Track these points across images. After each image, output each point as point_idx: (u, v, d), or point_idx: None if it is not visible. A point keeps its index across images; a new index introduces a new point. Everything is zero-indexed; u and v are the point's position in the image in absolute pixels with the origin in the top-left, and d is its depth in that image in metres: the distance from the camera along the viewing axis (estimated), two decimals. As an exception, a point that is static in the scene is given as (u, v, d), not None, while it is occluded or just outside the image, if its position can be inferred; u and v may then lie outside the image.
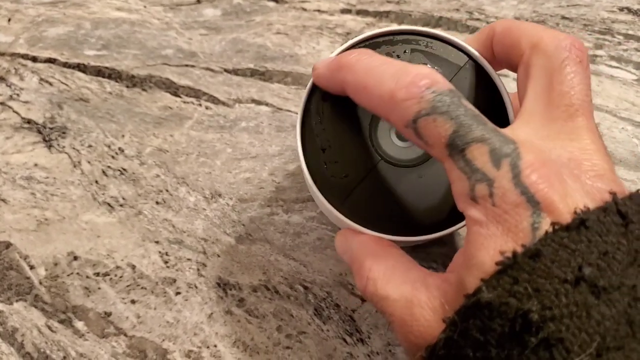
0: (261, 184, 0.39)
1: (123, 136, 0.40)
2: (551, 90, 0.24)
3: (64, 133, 0.40)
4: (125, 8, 0.45)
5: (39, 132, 0.41)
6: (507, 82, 0.41)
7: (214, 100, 0.42)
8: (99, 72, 0.43)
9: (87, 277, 0.37)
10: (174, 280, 0.37)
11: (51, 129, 0.41)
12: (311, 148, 0.29)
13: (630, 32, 0.44)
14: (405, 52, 0.30)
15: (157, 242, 0.38)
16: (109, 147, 0.40)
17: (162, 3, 0.45)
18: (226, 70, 0.43)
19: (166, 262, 0.37)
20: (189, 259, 0.37)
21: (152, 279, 0.37)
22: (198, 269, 0.37)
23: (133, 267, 0.37)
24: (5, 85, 0.42)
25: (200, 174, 0.40)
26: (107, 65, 0.43)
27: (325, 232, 0.38)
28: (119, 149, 0.40)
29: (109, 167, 0.40)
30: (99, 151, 0.40)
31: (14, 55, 0.43)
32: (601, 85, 0.42)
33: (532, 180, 0.20)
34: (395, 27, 0.30)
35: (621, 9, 0.45)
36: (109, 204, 0.39)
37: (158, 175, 0.39)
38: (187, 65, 0.43)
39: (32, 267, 0.37)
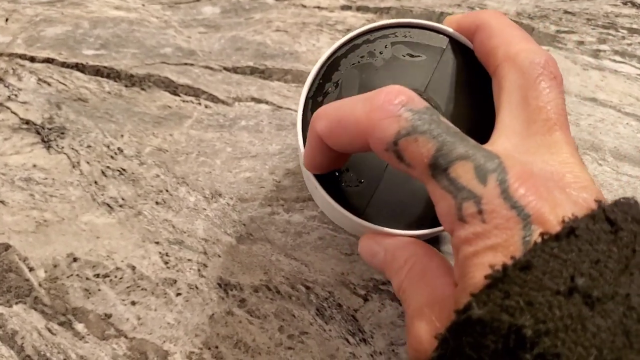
0: (262, 183, 0.39)
1: (122, 136, 0.40)
2: (527, 105, 0.24)
3: (62, 133, 0.40)
4: (124, 7, 0.45)
5: (38, 132, 0.40)
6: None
7: (214, 99, 0.41)
8: (97, 71, 0.42)
9: (87, 278, 0.37)
10: (175, 281, 0.36)
11: (50, 129, 0.40)
12: None
13: (634, 26, 0.44)
14: (386, 46, 0.30)
15: (157, 243, 0.37)
16: (108, 147, 0.40)
17: (161, 1, 0.45)
18: (225, 69, 0.42)
19: (166, 263, 0.37)
20: (189, 260, 0.37)
21: (153, 280, 0.37)
22: (199, 270, 0.37)
23: (133, 268, 0.37)
24: (3, 85, 0.42)
25: (200, 173, 0.39)
26: (105, 64, 0.42)
27: (326, 232, 0.37)
28: (118, 149, 0.40)
29: (108, 167, 0.39)
30: (98, 151, 0.40)
31: (11, 55, 0.43)
32: (605, 80, 0.42)
33: (521, 194, 0.20)
34: (370, 25, 0.30)
35: (625, 3, 0.45)
36: (108, 205, 0.38)
37: (158, 175, 0.39)
38: (186, 64, 0.42)
39: (31, 269, 0.37)
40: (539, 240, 0.19)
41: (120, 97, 0.41)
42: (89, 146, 0.40)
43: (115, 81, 0.42)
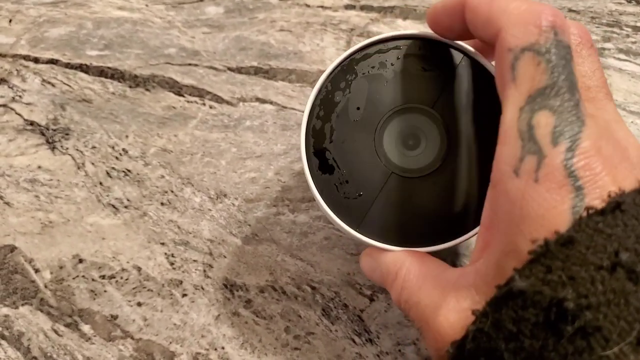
0: (267, 183, 0.39)
1: (127, 137, 0.40)
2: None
3: (67, 134, 0.40)
4: (127, 7, 0.45)
5: (42, 134, 0.40)
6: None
7: (218, 99, 0.41)
8: (101, 72, 0.42)
9: (93, 280, 0.37)
10: (181, 282, 0.36)
11: (54, 130, 0.40)
12: (318, 170, 0.28)
13: (639, 24, 0.44)
14: (398, 58, 0.29)
15: (162, 244, 0.37)
16: (112, 148, 0.40)
17: (164, 2, 0.45)
18: (230, 69, 0.42)
19: (172, 264, 0.37)
20: (195, 261, 0.37)
21: (158, 281, 0.37)
22: (204, 271, 0.37)
23: (139, 269, 0.37)
24: (7, 87, 0.42)
25: (205, 174, 0.39)
26: (109, 65, 0.42)
27: (332, 232, 0.37)
28: (123, 149, 0.40)
29: (113, 168, 0.39)
30: (102, 152, 0.40)
31: (15, 56, 0.43)
32: (610, 78, 0.42)
33: (581, 165, 0.19)
34: (383, 35, 0.29)
35: (629, 1, 0.45)
36: (113, 206, 0.38)
37: (163, 176, 0.39)
38: (190, 64, 0.42)
39: (37, 271, 0.37)
40: (584, 214, 0.19)
41: (124, 98, 0.41)
42: (93, 147, 0.40)
43: (120, 82, 0.42)
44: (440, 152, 0.28)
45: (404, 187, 0.28)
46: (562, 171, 0.19)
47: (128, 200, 0.38)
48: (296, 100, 0.41)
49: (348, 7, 0.44)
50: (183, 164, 0.39)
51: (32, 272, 0.37)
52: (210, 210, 0.38)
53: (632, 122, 0.40)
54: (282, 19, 0.44)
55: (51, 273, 0.37)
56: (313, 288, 0.36)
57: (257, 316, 0.36)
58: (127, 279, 0.37)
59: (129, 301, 0.36)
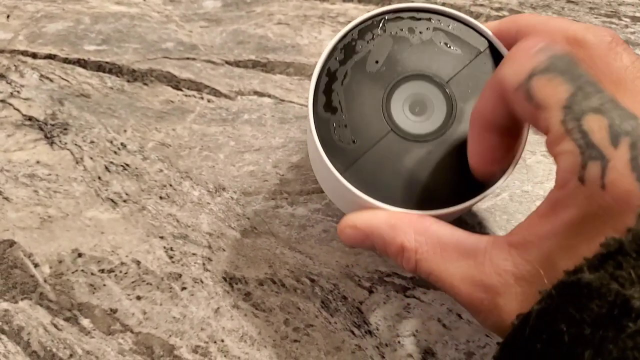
0: (265, 176, 0.39)
1: (125, 131, 0.40)
2: (610, 70, 0.23)
3: (65, 129, 0.40)
4: (125, 2, 0.44)
5: (41, 129, 0.40)
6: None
7: (216, 93, 0.41)
8: (99, 67, 0.42)
9: (92, 274, 0.37)
10: (180, 276, 0.37)
11: (53, 125, 0.40)
12: (322, 108, 0.29)
13: (637, 14, 0.44)
14: (427, 29, 0.30)
15: (161, 238, 0.37)
16: (111, 142, 0.40)
17: (162, -4, 0.45)
18: (227, 62, 0.42)
19: (171, 258, 0.37)
20: (194, 254, 0.37)
21: (158, 275, 0.37)
22: (203, 264, 0.37)
23: (138, 263, 0.37)
24: (5, 82, 0.42)
25: (203, 167, 0.39)
26: (107, 60, 0.42)
27: (330, 224, 0.37)
28: (122, 144, 0.40)
29: (111, 162, 0.39)
30: (101, 147, 0.40)
31: (13, 52, 0.43)
32: (608, 69, 0.42)
33: None
34: (419, 3, 0.30)
35: (628, -9, 0.44)
36: (112, 200, 0.38)
37: (161, 170, 0.39)
38: (188, 58, 0.42)
39: (36, 265, 0.37)
40: None
41: (122, 93, 0.41)
42: (92, 142, 0.40)
43: (118, 76, 0.42)
44: (443, 125, 0.28)
45: (399, 147, 0.28)
46: (629, 175, 0.19)
47: (127, 194, 0.38)
48: (294, 93, 0.41)
49: (346, -1, 0.44)
50: (181, 158, 0.39)
51: (31, 266, 0.37)
52: (209, 203, 0.38)
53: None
54: (279, 12, 0.44)
55: (50, 267, 0.37)
56: (312, 280, 0.36)
57: (256, 309, 0.36)
58: (126, 273, 0.37)
59: (128, 295, 0.36)
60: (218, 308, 0.36)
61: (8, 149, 0.40)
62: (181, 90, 0.41)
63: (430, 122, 0.28)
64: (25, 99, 0.41)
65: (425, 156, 0.28)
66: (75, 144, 0.40)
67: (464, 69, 0.29)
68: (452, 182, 0.28)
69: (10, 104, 0.41)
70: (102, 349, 0.35)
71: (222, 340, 0.35)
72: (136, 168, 0.39)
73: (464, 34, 0.30)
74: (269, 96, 0.41)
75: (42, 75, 0.42)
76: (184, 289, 0.36)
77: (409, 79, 0.29)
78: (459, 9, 0.43)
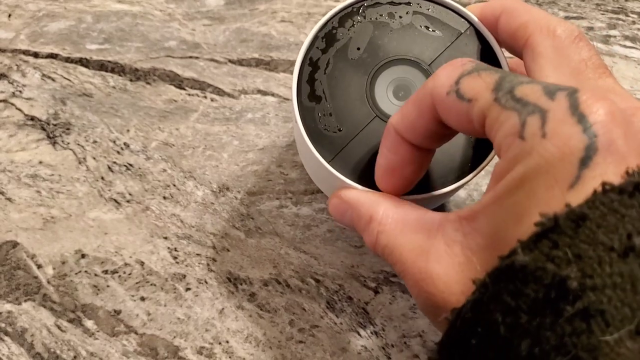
0: (269, 176, 0.39)
1: (128, 131, 0.40)
2: (569, 60, 0.24)
3: (68, 129, 0.40)
4: (127, 0, 0.44)
5: (43, 128, 0.40)
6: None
7: (219, 91, 0.41)
8: (101, 66, 0.42)
9: (96, 275, 0.36)
10: (184, 276, 0.36)
11: (55, 125, 0.40)
12: (306, 98, 0.29)
13: (644, 10, 0.43)
14: (407, 13, 0.30)
15: (165, 238, 0.37)
16: (114, 142, 0.40)
17: (164, -6, 0.44)
18: (231, 61, 0.42)
19: (175, 258, 0.37)
20: (198, 254, 0.37)
21: (162, 275, 0.36)
22: (208, 264, 0.37)
23: (142, 263, 0.37)
24: (7, 82, 0.41)
25: (207, 167, 0.39)
26: (109, 59, 0.42)
27: (335, 224, 0.37)
28: (125, 144, 0.39)
29: (114, 162, 0.39)
30: (104, 147, 0.39)
31: (15, 51, 0.42)
32: (615, 66, 0.41)
33: (593, 110, 0.18)
34: None
35: (634, -13, 0.44)
36: (115, 200, 0.38)
37: (165, 170, 0.39)
38: (190, 57, 0.42)
39: (39, 266, 0.37)
40: (600, 189, 0.17)
41: (125, 92, 0.41)
42: (94, 142, 0.40)
43: (120, 75, 0.42)
44: None
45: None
46: (570, 118, 0.18)
47: (130, 194, 0.38)
48: (298, 91, 0.41)
49: (349, -3, 0.44)
50: (185, 158, 0.39)
51: (34, 267, 0.37)
52: (213, 203, 0.38)
53: (638, 109, 0.40)
54: (283, 10, 0.43)
55: (54, 268, 0.37)
56: (317, 281, 0.36)
57: (261, 309, 0.35)
58: (130, 274, 0.36)
59: (132, 296, 0.36)
60: (223, 309, 0.36)
61: (10, 149, 0.39)
62: (184, 89, 0.41)
63: None
64: (27, 99, 0.41)
65: None
66: (78, 144, 0.39)
67: (446, 51, 0.29)
68: (437, 167, 0.28)
69: (12, 104, 0.41)
70: (106, 350, 0.35)
71: (227, 341, 0.35)
72: (139, 168, 0.39)
73: (444, 16, 0.30)
74: (273, 95, 0.41)
75: (44, 75, 0.42)
76: (188, 289, 0.36)
77: (391, 63, 0.29)
78: None
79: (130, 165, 0.39)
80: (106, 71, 0.42)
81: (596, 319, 0.16)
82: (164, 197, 0.38)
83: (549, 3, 0.43)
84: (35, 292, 0.36)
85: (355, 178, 0.28)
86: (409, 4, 0.30)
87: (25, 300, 0.36)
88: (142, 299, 0.36)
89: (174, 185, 0.38)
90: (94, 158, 0.39)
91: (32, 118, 0.40)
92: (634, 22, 0.43)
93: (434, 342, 0.34)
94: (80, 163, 0.39)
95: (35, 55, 0.42)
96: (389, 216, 0.25)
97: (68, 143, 0.40)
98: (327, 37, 0.29)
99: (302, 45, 0.29)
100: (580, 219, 0.17)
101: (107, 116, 0.40)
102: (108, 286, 0.36)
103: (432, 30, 0.29)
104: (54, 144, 0.40)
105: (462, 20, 0.30)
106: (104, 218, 0.38)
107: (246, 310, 0.35)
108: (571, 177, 0.18)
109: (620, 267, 0.16)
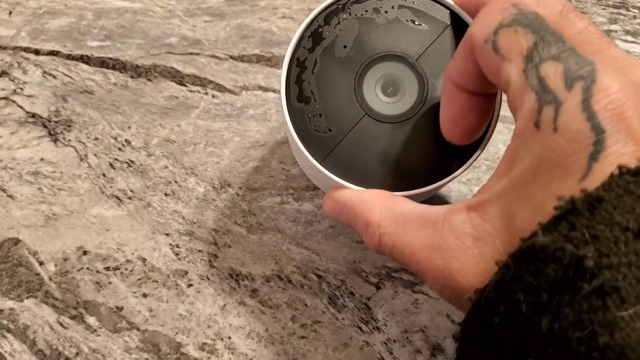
0: (271, 172, 0.38)
1: (129, 128, 0.40)
2: (566, 33, 0.23)
3: (69, 126, 0.40)
4: (127, -3, 0.44)
5: (44, 126, 0.40)
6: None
7: (220, 88, 0.41)
8: (102, 63, 0.42)
9: (98, 271, 0.36)
10: (186, 273, 0.36)
11: (56, 122, 0.40)
12: (295, 99, 0.29)
13: (645, 5, 0.43)
14: (392, 7, 0.29)
15: (167, 234, 0.37)
16: (115, 139, 0.40)
17: (165, -9, 0.44)
18: (232, 57, 0.42)
19: (177, 254, 0.37)
20: (200, 251, 0.37)
21: (164, 272, 0.36)
22: (209, 261, 0.37)
23: (144, 260, 0.37)
24: (8, 79, 0.41)
25: (208, 163, 0.39)
26: (110, 55, 0.42)
27: (337, 220, 0.37)
28: (126, 140, 0.39)
29: (116, 159, 0.39)
30: (105, 143, 0.39)
31: (16, 48, 0.42)
32: (617, 60, 0.41)
33: (602, 106, 0.19)
34: None
35: (636, -18, 0.44)
36: (117, 197, 0.38)
37: (166, 167, 0.39)
38: (191, 54, 0.42)
39: (41, 263, 0.37)
40: (616, 172, 0.18)
41: (126, 89, 0.41)
42: (96, 138, 0.40)
43: (121, 72, 0.41)
44: (416, 104, 0.28)
45: (374, 130, 0.28)
46: (580, 115, 0.19)
47: (132, 191, 0.38)
48: (299, 87, 0.41)
49: (350, -7, 0.44)
50: (186, 154, 0.39)
51: (36, 264, 0.37)
52: (215, 200, 0.38)
53: (640, 104, 0.40)
54: (283, 6, 0.43)
55: (55, 265, 0.37)
56: (319, 276, 0.36)
57: (263, 305, 0.35)
58: (132, 270, 0.36)
59: (134, 292, 0.36)
60: (225, 305, 0.36)
61: (12, 146, 0.39)
62: (185, 85, 0.41)
63: (403, 101, 0.29)
64: (28, 96, 0.41)
65: (401, 137, 0.28)
66: (80, 141, 0.39)
67: (433, 44, 0.29)
68: (429, 161, 0.28)
69: (14, 101, 0.41)
70: (109, 347, 0.35)
71: (229, 337, 0.35)
72: (141, 165, 0.39)
73: (429, 9, 0.29)
74: (274, 91, 0.41)
75: (45, 72, 0.42)
76: (190, 286, 0.36)
77: (378, 60, 0.29)
78: None
79: (132, 161, 0.39)
80: (107, 68, 0.42)
81: (612, 295, 0.17)
82: (166, 194, 0.38)
83: (550, -2, 0.43)
84: (37, 289, 0.36)
85: (347, 177, 0.28)
86: None
87: (27, 297, 0.36)
88: (144, 295, 0.36)
89: (176, 182, 0.38)
90: (96, 155, 0.39)
91: (34, 115, 0.40)
92: (635, 17, 0.43)
93: (435, 337, 0.34)
94: (81, 160, 0.39)
95: (36, 52, 0.42)
96: (386, 216, 0.25)
97: (69, 140, 0.40)
98: (313, 36, 0.29)
99: (289, 46, 0.29)
100: (596, 201, 0.18)
101: (109, 113, 0.40)
102: (110, 283, 0.36)
103: (418, 24, 0.29)
104: (55, 141, 0.40)
105: (448, 13, 0.29)
106: (105, 215, 0.38)
107: (248, 306, 0.35)
108: (582, 170, 0.19)
109: (635, 246, 0.17)
